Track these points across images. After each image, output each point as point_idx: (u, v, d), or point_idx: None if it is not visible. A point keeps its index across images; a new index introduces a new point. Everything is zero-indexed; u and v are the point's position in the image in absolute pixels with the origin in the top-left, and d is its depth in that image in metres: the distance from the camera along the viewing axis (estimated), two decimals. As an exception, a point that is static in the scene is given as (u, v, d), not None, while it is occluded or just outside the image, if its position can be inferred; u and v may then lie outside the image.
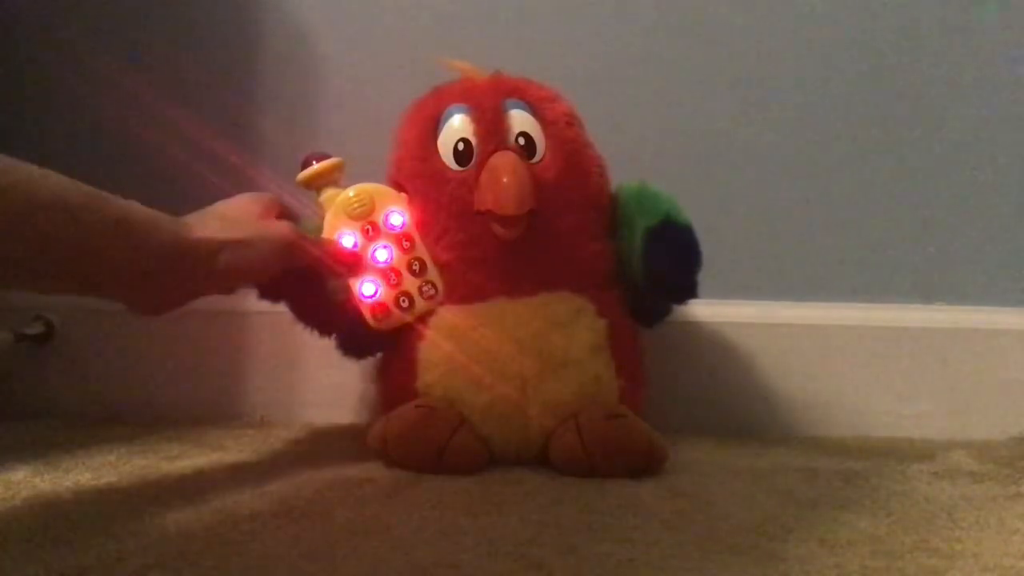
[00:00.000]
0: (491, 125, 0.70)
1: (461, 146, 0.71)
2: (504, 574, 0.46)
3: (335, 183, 0.71)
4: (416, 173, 0.72)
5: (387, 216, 0.71)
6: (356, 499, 0.59)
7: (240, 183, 0.85)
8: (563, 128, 0.73)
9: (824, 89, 0.88)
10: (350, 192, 0.70)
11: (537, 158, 0.72)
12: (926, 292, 0.88)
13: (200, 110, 0.87)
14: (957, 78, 0.88)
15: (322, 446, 0.74)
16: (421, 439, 0.65)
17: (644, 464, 0.65)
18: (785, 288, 0.88)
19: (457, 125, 0.72)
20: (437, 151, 0.72)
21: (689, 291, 0.70)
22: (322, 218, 0.71)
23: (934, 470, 0.71)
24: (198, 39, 0.88)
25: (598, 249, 0.72)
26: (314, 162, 0.70)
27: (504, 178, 0.67)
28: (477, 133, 0.70)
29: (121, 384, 0.86)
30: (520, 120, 0.72)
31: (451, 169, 0.71)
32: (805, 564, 0.48)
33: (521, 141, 0.71)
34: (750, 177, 0.88)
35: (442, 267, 0.71)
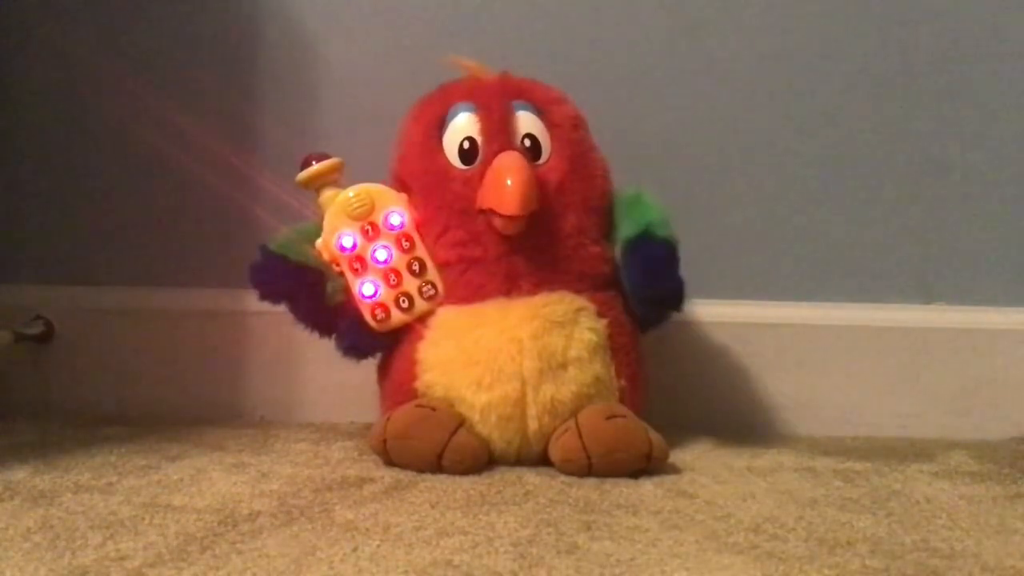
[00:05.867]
0: (498, 125, 0.70)
1: (466, 144, 0.71)
2: (504, 573, 0.46)
3: (335, 183, 0.71)
4: (420, 170, 0.72)
5: (387, 216, 0.71)
6: (356, 499, 0.59)
7: (240, 183, 0.86)
8: (569, 131, 0.73)
9: (824, 89, 0.88)
10: (350, 192, 0.70)
11: (542, 160, 0.72)
12: (926, 292, 0.88)
13: (200, 110, 0.87)
14: (957, 78, 0.88)
15: (322, 446, 0.74)
16: (421, 439, 0.65)
17: (644, 464, 0.65)
18: (784, 288, 0.88)
19: (463, 123, 0.72)
20: (442, 149, 0.72)
21: (670, 303, 0.70)
22: (322, 218, 0.71)
23: (934, 470, 0.71)
24: (198, 39, 0.88)
25: (598, 252, 0.72)
26: (314, 162, 0.70)
27: (508, 179, 0.67)
28: (483, 132, 0.70)
29: (121, 384, 0.86)
30: (527, 122, 0.72)
31: (456, 167, 0.71)
32: (805, 564, 0.48)
33: (527, 143, 0.71)
34: (750, 177, 0.88)
35: (442, 266, 0.71)
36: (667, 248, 0.68)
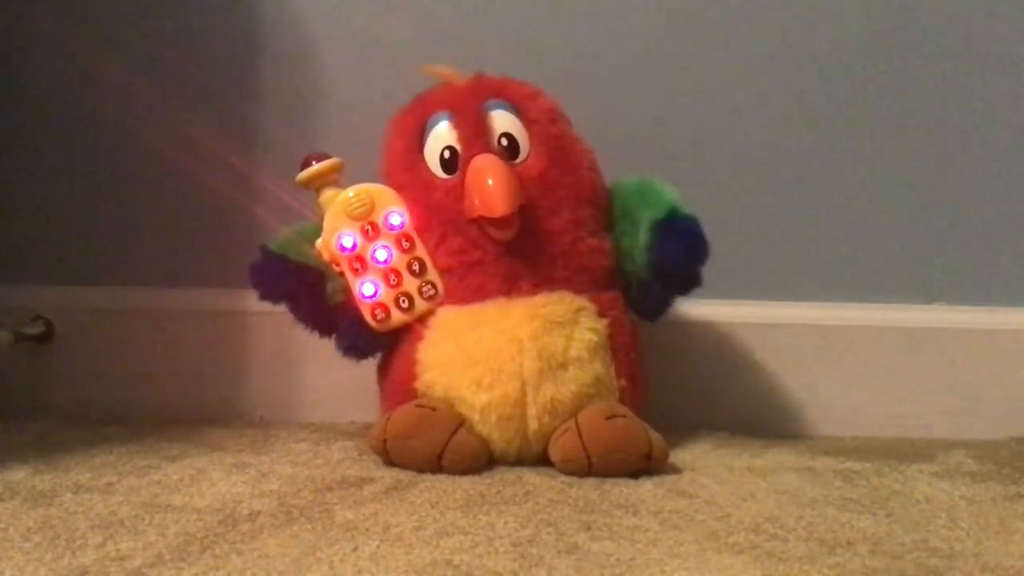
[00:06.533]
0: (473, 129, 0.71)
1: (447, 154, 0.71)
2: (504, 573, 0.46)
3: (334, 183, 0.71)
4: (405, 184, 0.72)
5: (387, 216, 0.71)
6: (356, 499, 0.59)
7: (240, 183, 0.86)
8: (547, 125, 0.73)
9: (824, 88, 0.88)
10: (350, 192, 0.70)
11: (521, 157, 0.72)
12: (926, 292, 0.88)
13: (200, 110, 0.87)
14: (957, 78, 0.88)
15: (322, 446, 0.74)
16: (421, 439, 0.65)
17: (644, 464, 0.65)
18: (785, 288, 0.88)
19: (442, 133, 0.72)
20: (424, 161, 0.72)
21: (696, 281, 0.72)
22: (321, 218, 0.71)
23: (934, 470, 0.71)
24: (198, 39, 0.88)
25: (596, 245, 0.72)
26: (313, 162, 0.70)
27: (488, 180, 0.67)
28: (461, 139, 0.71)
29: (121, 384, 0.86)
30: (502, 121, 0.72)
31: (439, 178, 0.71)
32: (805, 564, 0.48)
33: (504, 142, 0.71)
34: (750, 177, 0.88)
35: (442, 272, 0.71)
36: (698, 224, 0.70)
